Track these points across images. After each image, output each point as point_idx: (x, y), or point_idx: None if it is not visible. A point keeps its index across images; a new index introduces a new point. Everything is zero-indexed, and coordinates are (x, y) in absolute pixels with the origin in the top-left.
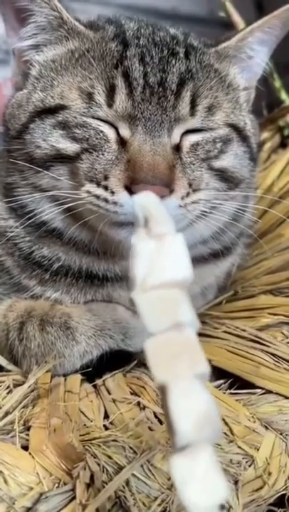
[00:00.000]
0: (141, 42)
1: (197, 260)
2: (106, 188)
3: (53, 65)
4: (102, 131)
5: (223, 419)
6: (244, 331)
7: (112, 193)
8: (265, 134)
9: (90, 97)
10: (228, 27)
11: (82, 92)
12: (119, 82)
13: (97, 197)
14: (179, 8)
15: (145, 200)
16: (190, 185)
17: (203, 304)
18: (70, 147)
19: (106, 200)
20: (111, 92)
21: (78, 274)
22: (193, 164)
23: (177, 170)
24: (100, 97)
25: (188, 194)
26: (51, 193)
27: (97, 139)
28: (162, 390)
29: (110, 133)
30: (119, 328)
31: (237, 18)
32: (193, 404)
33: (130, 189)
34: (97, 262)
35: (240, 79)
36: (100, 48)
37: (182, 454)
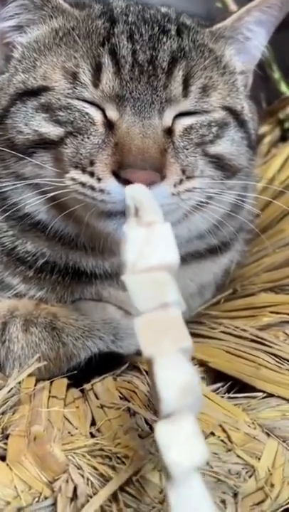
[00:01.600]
0: (130, 19)
1: (193, 257)
2: (92, 174)
3: (35, 46)
4: (87, 113)
5: (221, 426)
6: (244, 330)
7: (99, 179)
8: (265, 128)
9: (74, 76)
10: None
11: (67, 72)
12: (106, 60)
13: (83, 184)
14: (174, 4)
15: (135, 191)
16: (183, 171)
17: (201, 303)
18: (53, 131)
19: (92, 188)
20: (97, 71)
21: (65, 270)
22: (187, 149)
23: (169, 155)
24: (85, 77)
25: (181, 181)
26: (34, 180)
27: (82, 121)
28: (149, 364)
29: (96, 115)
30: (109, 329)
31: (234, 7)
32: (177, 375)
33: (118, 175)
34: (85, 258)
35: (236, 61)
36: (85, 26)
37: (166, 420)
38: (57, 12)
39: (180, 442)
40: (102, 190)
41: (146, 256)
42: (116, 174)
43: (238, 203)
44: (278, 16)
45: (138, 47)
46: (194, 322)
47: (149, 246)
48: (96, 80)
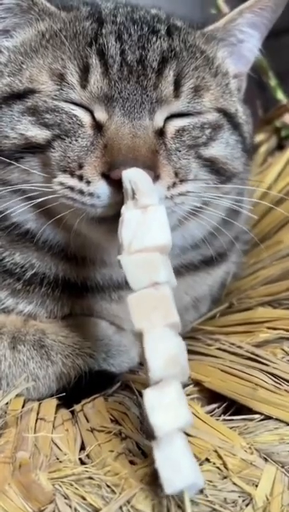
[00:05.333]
0: (118, 19)
1: (188, 269)
2: (81, 177)
3: (22, 49)
4: (75, 115)
5: (216, 452)
6: (240, 347)
7: (88, 182)
8: (261, 136)
9: (61, 78)
10: None
11: (53, 74)
12: (94, 61)
13: (72, 189)
14: (172, 12)
15: (133, 174)
16: (176, 174)
17: (196, 317)
18: (40, 134)
19: (81, 192)
20: (85, 72)
21: (54, 283)
22: (179, 151)
23: (161, 156)
24: (73, 78)
25: (174, 184)
26: (21, 186)
27: (69, 123)
28: (140, 337)
29: (84, 117)
30: (100, 346)
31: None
32: (164, 347)
33: (108, 176)
34: (75, 269)
35: (229, 64)
36: (72, 28)
37: (153, 387)
38: (43, 15)
39: (164, 406)
40: (91, 194)
41: (141, 237)
42: (106, 176)
43: (234, 207)
44: (271, 18)
45: (127, 47)
46: (190, 338)
47: (144, 228)
48: (84, 81)
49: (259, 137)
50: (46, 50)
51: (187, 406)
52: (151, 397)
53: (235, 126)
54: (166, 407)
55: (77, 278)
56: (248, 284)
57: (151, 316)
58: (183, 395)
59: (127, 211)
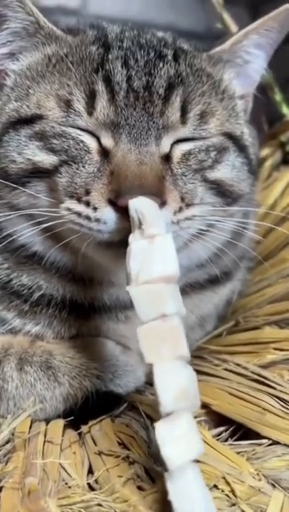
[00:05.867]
0: (124, 44)
1: (194, 288)
2: (88, 203)
3: (28, 73)
4: (82, 141)
5: (224, 478)
6: (246, 368)
7: (95, 209)
8: (266, 151)
9: (68, 104)
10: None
11: (60, 100)
12: (100, 87)
13: (79, 214)
14: (176, 23)
15: (139, 204)
16: (182, 199)
17: (202, 335)
18: (47, 159)
19: (88, 218)
20: (91, 98)
21: (61, 304)
22: (185, 176)
23: (167, 182)
24: (79, 105)
25: (180, 209)
26: (28, 211)
27: (76, 149)
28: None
29: (91, 143)
30: (107, 367)
31: (235, 29)
32: (174, 380)
33: (115, 203)
34: (83, 291)
35: (236, 85)
36: (79, 52)
37: (164, 419)
38: (50, 39)
39: (176, 439)
40: (98, 220)
41: (148, 268)
42: (112, 203)
43: (239, 230)
44: (277, 38)
45: (133, 73)
46: (196, 357)
47: (151, 258)
48: (90, 108)
49: (264, 152)
50: (53, 75)
51: (198, 436)
52: (162, 431)
53: (241, 148)
54: (178, 439)
55: (84, 299)
56: (254, 302)
57: (160, 348)
58: (194, 425)
59: (134, 241)
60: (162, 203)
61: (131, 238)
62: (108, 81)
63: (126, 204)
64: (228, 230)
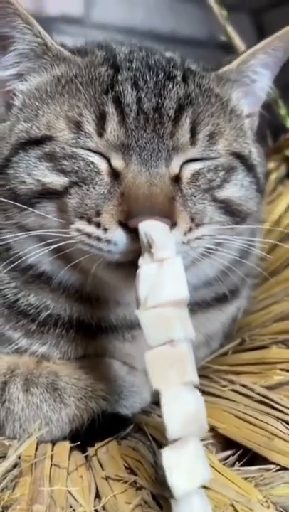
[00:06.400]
0: (133, 65)
1: (200, 306)
2: (98, 224)
3: (37, 94)
4: (92, 163)
5: (233, 506)
6: (253, 390)
7: (105, 230)
8: (271, 165)
9: (78, 126)
10: (227, 50)
11: (70, 121)
12: (110, 109)
13: (89, 235)
14: (178, 31)
15: (148, 227)
16: (192, 219)
17: (208, 353)
18: (57, 181)
19: (98, 239)
20: (101, 120)
21: (69, 324)
22: (195, 196)
23: (177, 203)
24: (89, 126)
25: (190, 229)
26: (38, 232)
27: (87, 171)
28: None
29: (102, 164)
30: (113, 388)
31: (238, 42)
32: (181, 406)
33: (126, 225)
34: (90, 310)
35: (243, 105)
36: (88, 73)
37: (171, 446)
38: (58, 60)
39: (182, 467)
40: (108, 241)
41: (157, 292)
42: (123, 224)
43: (246, 248)
44: (282, 57)
45: (143, 94)
46: (203, 376)
47: (160, 282)
48: (100, 129)
49: (269, 166)
50: (62, 96)
51: (206, 462)
52: (169, 458)
53: (249, 168)
54: (184, 467)
55: (91, 319)
56: (259, 320)
57: (168, 375)
58: (201, 451)
59: (144, 265)
60: (173, 224)
61: (140, 261)
62: (118, 102)
63: (136, 226)
64: (235, 249)
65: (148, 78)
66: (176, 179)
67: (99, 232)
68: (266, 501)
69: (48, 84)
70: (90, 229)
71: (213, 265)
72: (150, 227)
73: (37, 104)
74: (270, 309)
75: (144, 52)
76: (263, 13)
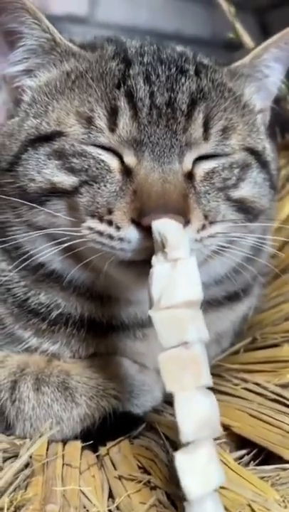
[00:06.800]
0: (145, 60)
1: (211, 305)
2: (110, 222)
3: (46, 89)
4: (102, 161)
5: (249, 506)
6: (266, 388)
7: (118, 228)
8: (280, 162)
9: (89, 121)
10: (231, 49)
11: (81, 117)
12: (122, 104)
13: (101, 233)
14: (182, 30)
15: (162, 226)
16: (206, 217)
17: (218, 351)
18: (66, 180)
19: (111, 237)
20: (113, 115)
21: (80, 322)
22: (209, 194)
23: (191, 200)
24: (101, 121)
25: (204, 227)
26: (48, 230)
27: (97, 169)
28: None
29: (113, 161)
30: (124, 386)
31: (247, 39)
32: (194, 410)
33: (139, 223)
34: (101, 309)
35: (256, 100)
36: (98, 68)
37: (185, 449)
38: (67, 56)
39: (195, 470)
40: (121, 239)
41: (170, 293)
42: (135, 222)
43: (258, 246)
44: None
45: (155, 88)
46: (215, 375)
47: (173, 282)
48: (112, 125)
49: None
50: (72, 91)
51: (219, 465)
52: (182, 461)
53: (263, 164)
54: (198, 470)
55: (102, 317)
56: (270, 318)
57: (182, 377)
58: (215, 454)
59: (157, 264)
60: (186, 222)
61: (154, 260)
62: (130, 97)
63: (149, 224)
64: (247, 246)
65: (160, 72)
66: (190, 176)
67: (111, 230)
68: (283, 501)
69: (58, 79)
70: (102, 227)
71: (224, 263)
72: (164, 226)
73: (46, 99)
74: (281, 307)
75: (155, 46)
76: (266, 13)
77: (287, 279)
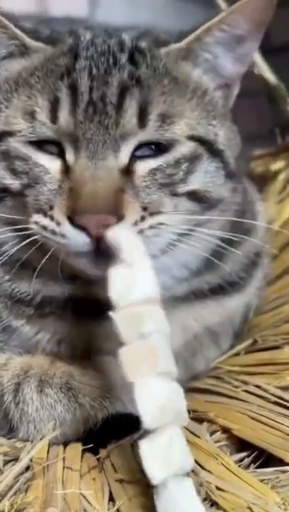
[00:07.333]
0: (89, 53)
1: (196, 296)
2: (52, 218)
3: (3, 89)
4: (41, 165)
5: (250, 508)
6: (266, 391)
7: (58, 223)
8: (280, 164)
9: (32, 116)
10: None
11: (26, 113)
12: (64, 95)
13: (45, 228)
14: (183, 29)
15: (115, 233)
16: (145, 208)
17: (218, 353)
18: (13, 183)
19: (53, 232)
20: (55, 105)
21: (65, 303)
22: (150, 188)
23: (127, 194)
24: (43, 114)
25: (143, 218)
26: (10, 227)
27: (36, 172)
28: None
29: (52, 163)
30: (126, 387)
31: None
32: (154, 397)
33: (73, 220)
34: (84, 288)
35: (207, 80)
36: (50, 63)
37: (148, 437)
38: (25, 50)
39: (155, 455)
40: (62, 235)
41: (127, 293)
42: (71, 219)
43: (233, 237)
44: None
45: (94, 84)
46: (215, 377)
47: (129, 283)
48: (53, 116)
49: (278, 165)
50: (23, 88)
51: (182, 450)
52: (144, 448)
53: (215, 153)
54: (158, 455)
55: (88, 297)
56: (270, 320)
57: (140, 368)
58: (179, 440)
59: (113, 269)
60: (119, 218)
61: (110, 267)
62: (73, 89)
63: (83, 223)
64: (216, 237)
65: (100, 66)
66: (128, 171)
67: (53, 226)
68: (283, 503)
69: (11, 78)
70: (46, 222)
71: (191, 253)
72: (116, 235)
73: (1, 100)
74: (281, 310)
75: (102, 38)
76: None
77: (287, 282)
